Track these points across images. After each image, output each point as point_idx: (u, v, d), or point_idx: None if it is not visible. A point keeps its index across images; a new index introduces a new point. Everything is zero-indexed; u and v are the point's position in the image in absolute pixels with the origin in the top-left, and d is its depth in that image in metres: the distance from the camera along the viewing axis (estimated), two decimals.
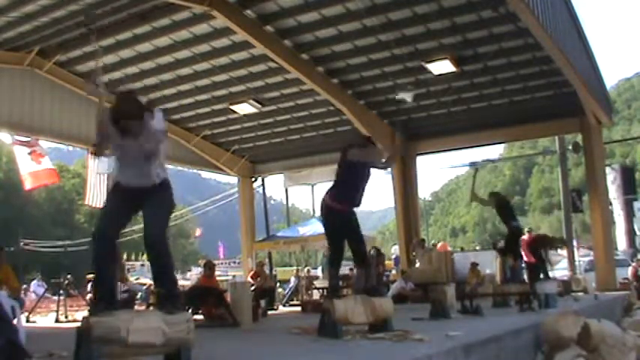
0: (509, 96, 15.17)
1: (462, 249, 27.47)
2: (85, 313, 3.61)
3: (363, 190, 6.22)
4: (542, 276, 11.07)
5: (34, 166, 14.60)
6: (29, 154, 14.54)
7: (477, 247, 38.64)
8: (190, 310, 7.70)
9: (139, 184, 4.06)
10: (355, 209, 6.26)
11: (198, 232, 47.26)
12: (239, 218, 20.46)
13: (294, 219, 32.77)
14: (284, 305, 15.08)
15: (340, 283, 10.13)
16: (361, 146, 6.23)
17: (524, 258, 11.51)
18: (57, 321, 10.89)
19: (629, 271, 16.96)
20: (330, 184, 6.34)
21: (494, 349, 5.06)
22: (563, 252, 17.47)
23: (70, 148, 27.24)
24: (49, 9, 12.35)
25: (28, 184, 15.01)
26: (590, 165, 15.46)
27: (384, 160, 6.68)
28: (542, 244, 11.55)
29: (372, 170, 6.36)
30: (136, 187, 4.06)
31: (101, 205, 4.19)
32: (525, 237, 13.22)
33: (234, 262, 30.11)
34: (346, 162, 6.12)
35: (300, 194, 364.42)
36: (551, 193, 65.32)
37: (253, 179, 20.29)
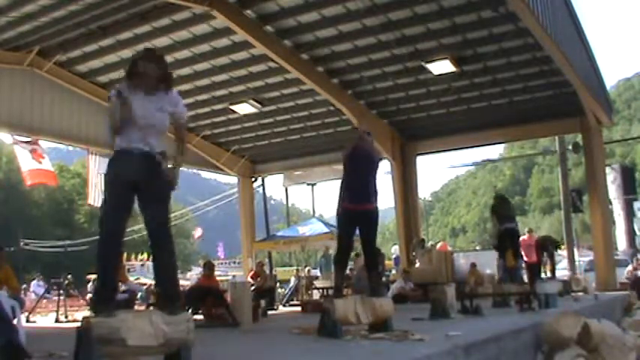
0: (510, 96, 15.16)
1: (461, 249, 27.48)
2: (85, 313, 3.59)
3: (373, 183, 6.24)
4: (549, 275, 11.19)
5: (35, 164, 14.69)
6: (30, 152, 14.62)
7: (477, 247, 38.59)
8: (190, 310, 7.70)
9: (143, 151, 3.89)
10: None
11: (198, 232, 46.04)
12: (239, 218, 20.46)
13: (294, 219, 32.78)
14: (284, 305, 15.08)
15: None
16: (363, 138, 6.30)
17: (524, 258, 11.51)
18: (57, 321, 10.89)
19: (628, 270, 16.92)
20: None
21: (494, 349, 5.05)
22: (563, 252, 17.48)
23: (70, 148, 27.19)
24: (49, 9, 12.35)
25: (28, 181, 15.35)
26: (590, 165, 15.45)
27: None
28: (550, 244, 13.19)
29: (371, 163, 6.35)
30: (147, 153, 3.90)
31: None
32: (525, 237, 13.28)
33: (234, 262, 30.10)
34: (353, 156, 6.18)
35: (300, 194, 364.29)
36: (551, 193, 65.35)
37: (253, 179, 20.29)
